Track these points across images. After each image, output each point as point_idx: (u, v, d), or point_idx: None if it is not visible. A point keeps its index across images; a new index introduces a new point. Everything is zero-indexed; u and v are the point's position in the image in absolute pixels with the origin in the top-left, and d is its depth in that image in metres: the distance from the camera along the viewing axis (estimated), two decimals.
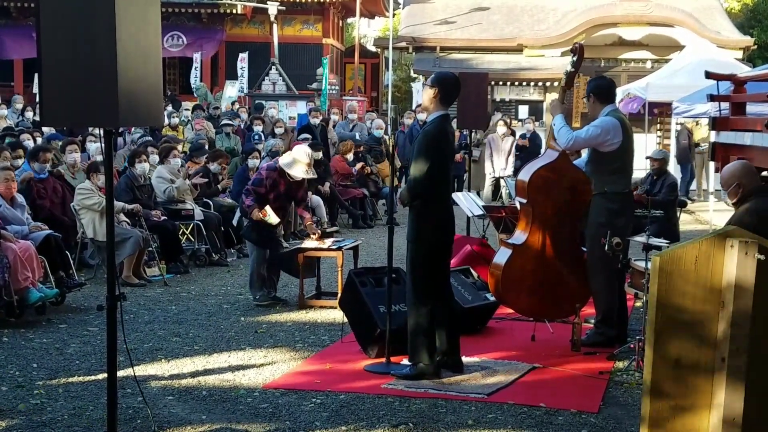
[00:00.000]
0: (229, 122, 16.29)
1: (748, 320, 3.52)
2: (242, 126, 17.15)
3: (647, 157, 10.82)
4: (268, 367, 6.28)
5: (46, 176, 9.70)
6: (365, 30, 40.80)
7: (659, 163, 10.30)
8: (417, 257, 5.96)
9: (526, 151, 15.76)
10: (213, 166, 11.57)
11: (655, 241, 6.49)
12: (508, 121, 17.36)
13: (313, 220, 8.92)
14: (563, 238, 6.94)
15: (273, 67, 24.94)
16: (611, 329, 6.83)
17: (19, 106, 17.25)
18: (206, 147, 13.29)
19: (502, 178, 15.34)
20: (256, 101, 21.53)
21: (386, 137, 14.39)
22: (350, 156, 14.40)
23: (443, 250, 6.02)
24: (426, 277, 5.94)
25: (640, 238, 6.52)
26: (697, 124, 18.49)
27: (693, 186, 18.61)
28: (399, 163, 14.80)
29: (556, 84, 23.85)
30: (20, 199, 8.59)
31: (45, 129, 12.81)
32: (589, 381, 6.02)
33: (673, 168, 16.62)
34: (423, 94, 6.20)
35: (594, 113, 6.90)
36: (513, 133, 16.43)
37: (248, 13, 27.63)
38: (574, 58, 7.10)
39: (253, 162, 12.00)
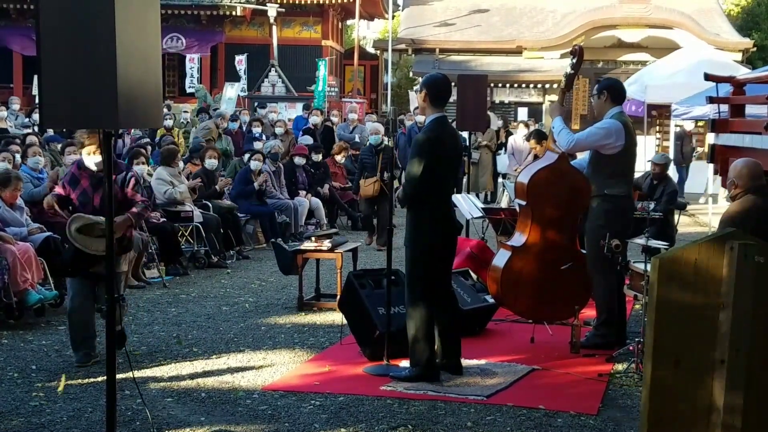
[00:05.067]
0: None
1: (747, 322, 3.53)
2: (243, 128, 17.14)
3: (649, 161, 10.79)
4: (267, 369, 6.28)
5: (43, 175, 9.72)
6: (364, 32, 40.85)
7: (661, 167, 10.25)
8: (414, 261, 5.95)
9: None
10: (208, 162, 11.54)
11: (654, 243, 6.48)
12: (528, 122, 17.65)
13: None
14: (562, 241, 6.94)
15: (272, 68, 24.97)
16: (610, 331, 6.83)
17: (16, 107, 17.25)
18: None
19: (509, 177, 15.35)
20: (257, 104, 21.52)
21: (386, 139, 14.30)
22: (339, 157, 14.27)
23: (441, 254, 5.98)
24: (424, 281, 5.92)
25: (640, 240, 6.52)
26: (695, 125, 18.49)
27: (686, 189, 18.59)
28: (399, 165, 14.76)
29: (555, 86, 23.89)
30: (19, 201, 8.58)
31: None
32: (588, 383, 6.01)
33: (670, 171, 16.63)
34: (416, 100, 6.21)
35: (601, 111, 6.85)
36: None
37: (247, 15, 27.66)
38: (574, 60, 7.09)
39: (255, 164, 11.99)
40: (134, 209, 6.41)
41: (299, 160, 13.28)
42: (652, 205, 6.82)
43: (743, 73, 12.69)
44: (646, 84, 17.74)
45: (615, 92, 6.88)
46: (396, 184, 9.94)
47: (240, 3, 26.94)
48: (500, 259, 7.07)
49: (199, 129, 15.17)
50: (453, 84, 6.46)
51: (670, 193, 10.00)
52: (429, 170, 5.79)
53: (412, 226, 5.95)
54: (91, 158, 6.43)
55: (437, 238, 5.93)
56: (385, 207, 11.56)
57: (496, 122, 19.21)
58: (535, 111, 25.23)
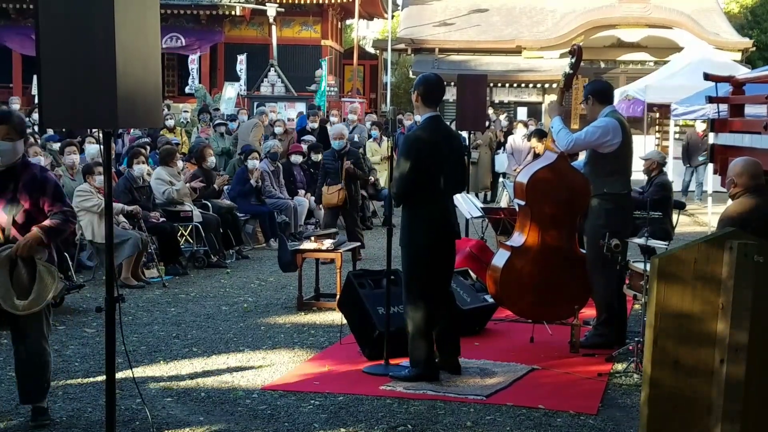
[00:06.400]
0: (223, 122, 16.28)
1: (747, 322, 3.52)
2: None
3: (641, 158, 10.74)
4: (267, 369, 6.28)
5: None
6: (364, 32, 40.84)
7: (648, 163, 10.24)
8: (409, 261, 5.95)
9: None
10: (207, 163, 11.52)
11: (654, 242, 6.48)
12: (528, 122, 17.67)
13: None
14: (562, 240, 6.94)
15: (272, 68, 24.96)
16: (610, 331, 6.83)
17: (16, 106, 17.26)
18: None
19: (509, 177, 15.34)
20: (257, 103, 21.53)
21: (386, 139, 14.23)
22: None
23: (437, 254, 5.97)
24: (420, 281, 5.92)
25: (639, 240, 6.52)
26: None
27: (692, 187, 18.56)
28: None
29: (554, 85, 23.89)
30: None
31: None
32: (587, 383, 6.01)
33: (671, 171, 16.59)
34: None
35: (593, 115, 6.92)
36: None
37: (247, 15, 27.67)
38: (573, 60, 7.11)
39: (252, 163, 11.99)
40: (46, 222, 4.84)
41: (296, 158, 13.27)
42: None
43: (742, 72, 12.69)
44: (646, 84, 17.76)
45: (599, 94, 6.94)
46: None
47: (239, 3, 26.94)
48: (499, 259, 7.07)
49: (250, 130, 15.23)
50: (452, 83, 6.48)
51: (657, 184, 9.86)
52: (416, 168, 5.79)
53: (406, 226, 5.96)
54: None
55: (432, 238, 5.92)
56: (352, 217, 10.84)
57: (501, 122, 19.22)
58: (534, 111, 25.24)
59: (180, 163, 11.09)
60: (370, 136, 16.41)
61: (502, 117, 19.79)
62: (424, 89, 5.99)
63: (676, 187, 17.14)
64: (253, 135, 14.88)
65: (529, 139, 14.43)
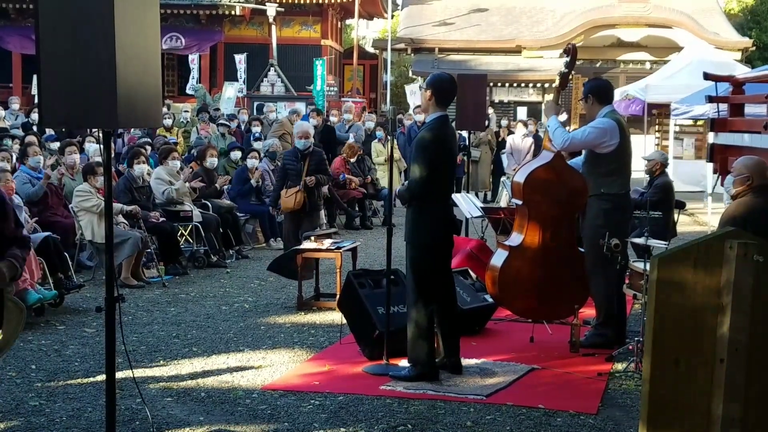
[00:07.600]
0: (225, 123, 16.27)
1: (747, 321, 3.52)
2: (241, 128, 17.13)
3: (643, 157, 10.72)
4: (267, 369, 6.28)
5: (42, 174, 9.70)
6: (364, 31, 40.80)
7: (650, 164, 10.24)
8: (414, 258, 5.96)
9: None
10: (208, 162, 11.52)
11: (653, 242, 6.48)
12: (527, 121, 17.68)
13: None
14: (560, 239, 6.94)
15: (272, 68, 24.96)
16: (610, 331, 6.83)
17: (16, 106, 17.25)
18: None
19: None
20: (257, 103, 21.53)
21: (389, 138, 14.21)
22: (353, 160, 14.24)
23: (441, 251, 6.01)
24: (424, 278, 5.94)
25: (639, 240, 6.51)
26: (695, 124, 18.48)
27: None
28: (404, 165, 14.69)
29: (554, 85, 23.91)
30: (17, 200, 8.57)
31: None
32: (587, 382, 6.01)
33: (672, 172, 16.56)
34: (421, 97, 6.22)
35: (592, 114, 6.91)
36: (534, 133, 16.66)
37: (247, 15, 27.65)
38: (568, 59, 7.11)
39: (252, 162, 11.99)
40: (16, 250, 4.24)
41: None
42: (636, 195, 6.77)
43: (742, 72, 12.70)
44: (647, 83, 17.76)
45: (598, 93, 6.92)
46: (396, 182, 9.84)
47: (239, 2, 26.92)
48: (498, 258, 7.07)
49: (274, 127, 15.41)
50: None
51: (656, 186, 9.83)
52: (434, 168, 5.83)
53: (414, 224, 5.96)
54: None
55: (439, 235, 5.95)
56: (312, 223, 10.06)
57: (496, 122, 19.19)
58: (534, 110, 25.23)
59: (177, 162, 11.06)
60: (370, 136, 16.39)
61: (503, 121, 19.77)
62: (438, 90, 5.98)
63: (684, 187, 17.11)
64: (273, 132, 15.03)
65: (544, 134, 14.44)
